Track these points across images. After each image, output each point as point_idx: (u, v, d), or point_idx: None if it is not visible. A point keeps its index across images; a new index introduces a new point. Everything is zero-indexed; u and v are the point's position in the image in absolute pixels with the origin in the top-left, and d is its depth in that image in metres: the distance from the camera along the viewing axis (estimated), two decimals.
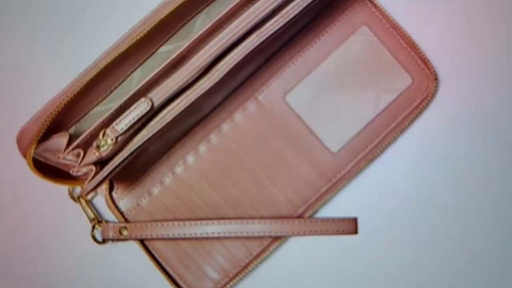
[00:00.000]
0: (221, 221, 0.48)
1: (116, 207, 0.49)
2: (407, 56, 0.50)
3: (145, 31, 0.41)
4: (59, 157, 0.42)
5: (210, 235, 0.48)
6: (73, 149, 0.41)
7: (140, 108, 0.41)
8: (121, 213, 0.49)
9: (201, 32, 0.42)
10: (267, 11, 0.43)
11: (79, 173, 0.43)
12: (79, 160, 0.42)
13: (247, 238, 0.49)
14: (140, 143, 0.41)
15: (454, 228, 0.49)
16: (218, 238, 0.48)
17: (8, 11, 0.52)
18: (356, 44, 0.50)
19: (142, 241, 0.49)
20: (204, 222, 0.48)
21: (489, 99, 0.50)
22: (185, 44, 0.42)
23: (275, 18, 0.43)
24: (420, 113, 0.49)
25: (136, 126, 0.42)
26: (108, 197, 0.49)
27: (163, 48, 0.44)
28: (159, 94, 0.42)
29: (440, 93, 0.50)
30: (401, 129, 0.49)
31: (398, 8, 0.50)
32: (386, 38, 0.50)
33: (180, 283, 0.49)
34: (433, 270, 0.49)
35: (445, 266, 0.49)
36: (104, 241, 0.49)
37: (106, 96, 0.43)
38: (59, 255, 0.50)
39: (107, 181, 0.49)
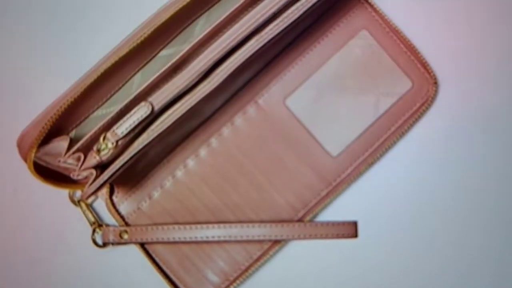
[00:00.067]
0: (222, 225, 0.48)
1: (117, 210, 0.49)
2: (407, 60, 0.50)
3: (146, 35, 0.41)
4: (59, 161, 0.42)
5: (211, 238, 0.48)
6: (73, 152, 0.41)
7: (140, 112, 0.41)
8: (122, 217, 0.49)
9: (201, 36, 0.42)
10: (267, 15, 0.43)
11: (80, 177, 0.43)
12: (80, 163, 0.42)
13: (247, 241, 0.49)
14: (140, 147, 0.41)
15: (454, 232, 0.49)
16: (218, 242, 0.48)
17: (8, 13, 0.52)
18: (356, 48, 0.50)
19: (142, 245, 0.49)
20: (204, 225, 0.48)
21: (489, 103, 0.50)
22: (185, 48, 0.42)
23: (275, 22, 0.43)
24: (420, 117, 0.49)
25: (136, 130, 0.42)
26: (109, 200, 0.49)
27: (164, 52, 0.44)
28: (159, 98, 0.42)
29: (440, 97, 0.50)
30: (401, 133, 0.49)
31: (398, 12, 0.50)
32: (386, 42, 0.50)
33: (181, 286, 0.49)
34: (433, 274, 0.49)
35: (445, 269, 0.49)
36: (104, 244, 0.49)
37: (107, 100, 0.44)
38: (60, 258, 0.50)
39: (107, 185, 0.49)
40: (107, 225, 0.49)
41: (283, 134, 0.49)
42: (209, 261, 0.49)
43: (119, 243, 0.48)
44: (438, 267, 0.49)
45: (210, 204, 0.49)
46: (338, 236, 0.49)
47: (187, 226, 0.48)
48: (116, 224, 0.49)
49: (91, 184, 0.42)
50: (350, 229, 0.49)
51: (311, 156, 0.49)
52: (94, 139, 0.42)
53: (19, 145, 0.41)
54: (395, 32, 0.50)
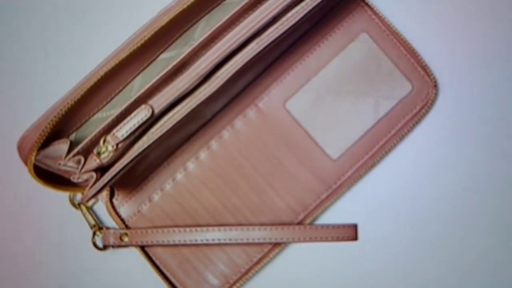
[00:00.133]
0: (222, 228, 0.48)
1: (117, 213, 0.49)
2: (407, 63, 0.50)
3: (146, 38, 0.41)
4: (60, 164, 0.42)
5: (211, 241, 0.48)
6: (73, 155, 0.41)
7: (140, 115, 0.41)
8: (122, 220, 0.49)
9: (201, 39, 0.42)
10: (267, 18, 0.43)
11: (80, 180, 0.43)
12: (80, 166, 0.42)
13: (248, 244, 0.49)
14: (140, 149, 0.41)
15: (453, 235, 0.49)
16: (218, 245, 0.49)
17: (8, 16, 0.52)
18: (356, 51, 0.50)
19: (142, 248, 0.49)
20: (204, 228, 0.48)
21: (489, 106, 0.50)
22: (186, 51, 0.42)
23: (275, 26, 0.43)
24: (420, 120, 0.49)
25: (136, 133, 0.42)
26: (109, 203, 0.49)
27: (164, 55, 0.44)
28: (159, 101, 0.42)
29: (440, 100, 0.50)
30: (401, 136, 0.49)
31: (397, 15, 0.50)
32: (386, 45, 0.50)
33: None
34: (432, 277, 0.49)
35: (445, 273, 0.49)
36: (105, 247, 0.49)
37: (107, 103, 0.44)
38: (60, 261, 0.50)
39: (107, 188, 0.49)
40: (108, 228, 0.49)
41: (283, 137, 0.49)
42: (209, 264, 0.49)
43: (119, 246, 0.48)
44: (438, 270, 0.49)
45: (210, 207, 0.49)
46: (338, 239, 0.49)
47: (187, 229, 0.48)
48: (117, 227, 0.49)
49: (91, 187, 0.42)
50: (350, 232, 0.49)
51: (311, 159, 0.49)
52: (94, 142, 0.42)
53: (19, 148, 0.41)
54: (395, 35, 0.50)
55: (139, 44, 0.41)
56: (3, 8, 0.52)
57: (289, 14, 0.43)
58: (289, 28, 0.43)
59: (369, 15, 0.50)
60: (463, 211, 0.49)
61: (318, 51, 0.50)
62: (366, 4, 0.50)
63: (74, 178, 0.42)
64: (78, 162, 0.42)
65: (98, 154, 0.42)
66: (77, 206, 0.49)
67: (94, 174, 0.42)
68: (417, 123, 0.49)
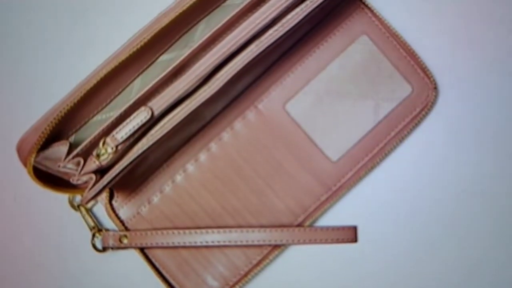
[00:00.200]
0: (221, 230, 0.48)
1: (116, 215, 0.49)
2: (407, 65, 0.50)
3: (146, 40, 0.41)
4: (59, 166, 0.42)
5: (210, 243, 0.48)
6: (73, 157, 0.41)
7: (140, 117, 0.41)
8: (121, 222, 0.49)
9: (201, 41, 0.42)
10: (267, 20, 0.43)
11: (79, 182, 0.43)
12: (79, 168, 0.42)
13: (247, 246, 0.49)
14: (140, 151, 0.41)
15: (453, 237, 0.49)
16: (218, 247, 0.48)
17: (8, 19, 0.52)
18: (355, 53, 0.50)
19: (142, 249, 0.49)
20: (204, 230, 0.48)
21: (489, 108, 0.50)
22: (185, 53, 0.42)
23: (275, 28, 0.43)
24: (419, 122, 0.49)
25: (136, 135, 0.42)
26: (108, 205, 0.49)
27: (164, 57, 0.44)
28: (159, 103, 0.42)
29: (439, 102, 0.50)
30: (400, 138, 0.49)
31: (397, 17, 0.50)
32: (386, 47, 0.50)
33: None
34: (432, 279, 0.49)
35: (445, 275, 0.49)
36: (104, 249, 0.49)
37: (106, 105, 0.44)
38: (59, 263, 0.50)
39: (107, 190, 0.49)
40: (107, 230, 0.49)
41: (282, 139, 0.49)
42: (209, 266, 0.49)
43: (118, 248, 0.48)
44: (438, 272, 0.49)
45: (210, 208, 0.49)
46: (337, 241, 0.49)
47: (187, 231, 0.48)
48: (116, 228, 0.49)
49: (90, 188, 0.42)
50: (350, 234, 0.49)
51: (310, 161, 0.49)
52: (94, 144, 0.42)
53: (19, 149, 0.41)
54: (395, 37, 0.50)
55: (138, 46, 0.41)
56: (3, 9, 0.52)
57: (288, 16, 0.43)
58: (288, 30, 0.43)
59: (369, 17, 0.50)
60: (463, 213, 0.49)
61: (318, 53, 0.50)
62: (366, 6, 0.50)
63: (74, 180, 0.42)
64: (78, 164, 0.42)
65: (98, 156, 0.42)
66: (76, 208, 0.49)
67: (93, 176, 0.42)
68: (417, 125, 0.49)
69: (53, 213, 0.50)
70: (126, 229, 0.49)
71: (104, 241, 0.48)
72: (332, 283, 0.49)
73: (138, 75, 0.44)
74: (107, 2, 0.52)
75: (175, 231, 0.48)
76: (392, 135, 0.49)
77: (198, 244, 0.48)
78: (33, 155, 0.40)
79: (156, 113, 0.42)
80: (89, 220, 0.49)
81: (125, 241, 0.48)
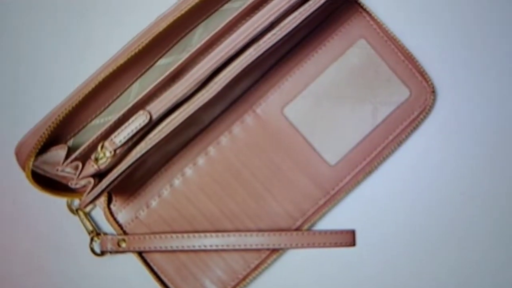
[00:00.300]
0: (219, 234, 0.48)
1: (115, 219, 0.49)
2: (405, 69, 0.50)
3: (144, 44, 0.41)
4: (57, 170, 0.42)
5: (208, 247, 0.48)
6: (71, 161, 0.41)
7: (138, 121, 0.41)
8: (120, 226, 0.49)
9: (199, 45, 0.42)
10: (265, 24, 0.43)
11: (78, 186, 0.43)
12: (78, 172, 0.42)
13: (245, 250, 0.49)
14: (138, 155, 0.41)
15: (452, 240, 0.49)
16: (216, 251, 0.48)
17: (7, 22, 0.52)
18: (354, 57, 0.50)
19: (140, 253, 0.49)
20: (202, 234, 0.48)
21: (487, 112, 0.50)
22: (183, 57, 0.42)
23: (273, 32, 0.43)
24: (418, 125, 0.50)
25: (134, 139, 0.42)
26: (107, 209, 0.49)
27: (162, 61, 0.44)
28: (157, 107, 0.42)
29: (437, 106, 0.50)
30: (398, 141, 0.49)
31: (395, 21, 0.51)
32: (384, 51, 0.50)
33: None
34: (431, 282, 0.49)
35: (443, 278, 0.49)
36: (102, 253, 0.49)
37: (105, 109, 0.44)
38: (58, 267, 0.50)
39: (105, 194, 0.49)
40: (105, 234, 0.49)
41: (281, 143, 0.49)
42: (207, 270, 0.49)
43: (117, 252, 0.48)
44: (436, 276, 0.49)
45: (208, 212, 0.49)
46: (336, 245, 0.49)
47: (185, 235, 0.48)
48: (114, 232, 0.49)
49: (89, 192, 0.42)
50: (348, 238, 0.49)
51: (309, 165, 0.49)
52: (92, 148, 0.42)
53: (17, 153, 0.41)
54: (393, 40, 0.50)
55: (136, 50, 0.41)
56: (4, 12, 0.52)
57: (287, 20, 0.43)
58: (287, 34, 0.43)
59: (367, 21, 0.51)
60: (461, 217, 0.49)
61: (316, 57, 0.50)
62: (364, 10, 0.50)
63: (72, 184, 0.42)
64: (76, 168, 0.42)
65: (96, 160, 0.42)
66: (75, 212, 0.49)
67: (92, 180, 0.42)
68: (415, 128, 0.49)
69: (51, 217, 0.50)
70: (125, 233, 0.49)
71: (102, 245, 0.48)
72: (330, 287, 0.49)
73: (136, 79, 0.44)
74: (107, 2, 0.52)
75: (174, 235, 0.48)
76: (390, 139, 0.49)
77: (197, 248, 0.48)
78: (32, 159, 0.40)
79: (154, 117, 0.42)
80: (88, 224, 0.49)
81: (123, 245, 0.48)
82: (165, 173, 0.49)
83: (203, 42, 0.42)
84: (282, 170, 0.49)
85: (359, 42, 0.50)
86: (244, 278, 0.48)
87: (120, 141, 0.41)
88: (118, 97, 0.44)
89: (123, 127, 0.41)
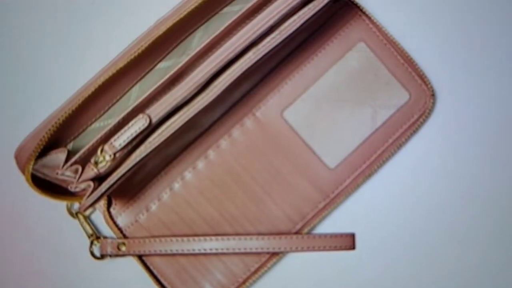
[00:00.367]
0: (219, 237, 0.48)
1: (114, 223, 0.49)
2: (404, 72, 0.50)
3: (143, 48, 0.41)
4: (57, 173, 0.42)
5: (208, 251, 0.48)
6: (71, 165, 0.41)
7: (138, 124, 0.41)
8: (119, 229, 0.49)
9: (199, 48, 0.43)
10: (264, 28, 0.43)
11: (77, 189, 0.43)
12: (77, 176, 0.42)
13: (245, 254, 0.48)
14: (138, 159, 0.41)
15: (451, 243, 0.49)
16: (216, 254, 0.48)
17: (7, 22, 0.52)
18: (353, 60, 0.50)
19: (140, 257, 0.48)
20: (202, 238, 0.48)
21: (486, 115, 0.50)
22: (183, 60, 0.42)
23: (273, 35, 0.43)
24: (417, 129, 0.49)
25: (134, 142, 0.42)
26: (106, 213, 0.49)
27: (162, 65, 0.44)
28: (157, 111, 0.42)
29: (437, 109, 0.50)
30: (398, 145, 0.49)
31: (395, 24, 0.51)
32: (384, 54, 0.50)
33: None
34: (430, 286, 0.49)
35: (443, 281, 0.49)
36: (102, 256, 0.49)
37: (104, 112, 0.44)
38: (58, 270, 0.50)
39: (105, 197, 0.49)
40: (105, 237, 0.49)
41: (280, 146, 0.49)
42: (207, 273, 0.49)
43: (116, 255, 0.48)
44: (436, 279, 0.49)
45: (208, 216, 0.49)
46: (335, 248, 0.49)
47: (185, 239, 0.48)
48: (114, 236, 0.49)
49: (88, 196, 0.42)
50: (348, 241, 0.49)
51: (308, 168, 0.49)
52: (92, 151, 0.42)
53: (17, 157, 0.41)
54: (392, 44, 0.50)
55: (136, 54, 0.41)
56: (4, 15, 0.52)
57: (286, 24, 0.43)
58: (286, 38, 0.43)
59: (366, 24, 0.51)
60: (461, 220, 0.49)
61: (316, 60, 0.50)
62: (364, 13, 0.50)
63: (72, 188, 0.42)
64: (76, 171, 0.42)
65: (96, 163, 0.42)
66: (74, 215, 0.49)
67: (91, 184, 0.42)
68: (414, 132, 0.49)
69: (51, 220, 0.50)
70: (124, 236, 0.49)
71: (102, 248, 0.48)
72: None
73: (136, 83, 0.44)
74: (107, 2, 0.52)
75: (173, 239, 0.48)
76: (390, 142, 0.49)
77: (196, 251, 0.48)
78: (31, 163, 0.40)
79: (154, 120, 0.42)
80: (87, 227, 0.49)
81: (123, 248, 0.48)
82: (164, 176, 0.49)
83: (202, 45, 0.42)
84: (281, 173, 0.49)
85: (358, 46, 0.50)
86: (244, 282, 0.48)
87: (119, 145, 0.41)
88: (117, 100, 0.44)
89: (122, 130, 0.41)
